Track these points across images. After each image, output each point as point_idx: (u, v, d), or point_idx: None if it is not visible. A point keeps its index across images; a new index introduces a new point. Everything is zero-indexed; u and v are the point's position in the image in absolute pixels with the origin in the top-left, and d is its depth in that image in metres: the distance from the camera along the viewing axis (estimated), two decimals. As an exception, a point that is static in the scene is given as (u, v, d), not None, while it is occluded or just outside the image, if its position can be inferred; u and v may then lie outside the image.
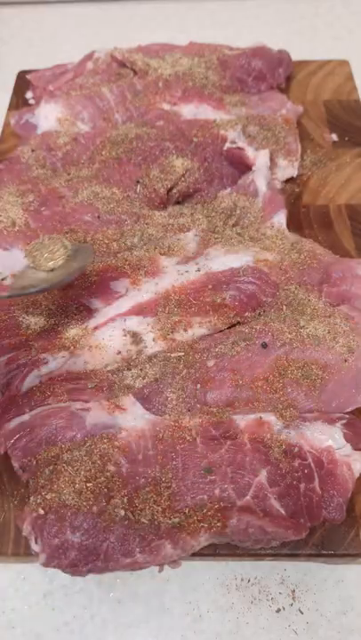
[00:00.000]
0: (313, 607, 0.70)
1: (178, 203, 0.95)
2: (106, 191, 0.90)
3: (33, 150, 0.96)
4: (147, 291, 0.77)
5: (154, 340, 0.74)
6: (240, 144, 0.93)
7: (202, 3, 1.49)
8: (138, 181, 0.92)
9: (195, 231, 0.85)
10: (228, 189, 0.92)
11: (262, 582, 0.72)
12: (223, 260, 0.80)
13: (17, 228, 0.85)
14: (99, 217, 0.87)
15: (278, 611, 0.70)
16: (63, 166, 0.96)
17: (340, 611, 0.70)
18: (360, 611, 0.70)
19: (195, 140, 0.95)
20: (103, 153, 0.95)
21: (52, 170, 0.96)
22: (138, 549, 0.61)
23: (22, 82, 1.16)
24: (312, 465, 0.66)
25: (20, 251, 0.84)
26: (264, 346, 0.71)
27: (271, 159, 0.94)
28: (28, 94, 1.14)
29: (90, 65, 1.09)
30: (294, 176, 0.98)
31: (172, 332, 0.74)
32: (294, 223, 0.92)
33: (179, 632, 0.69)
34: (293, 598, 0.71)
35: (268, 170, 0.91)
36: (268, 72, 1.06)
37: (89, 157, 0.96)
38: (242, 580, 0.72)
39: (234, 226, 0.88)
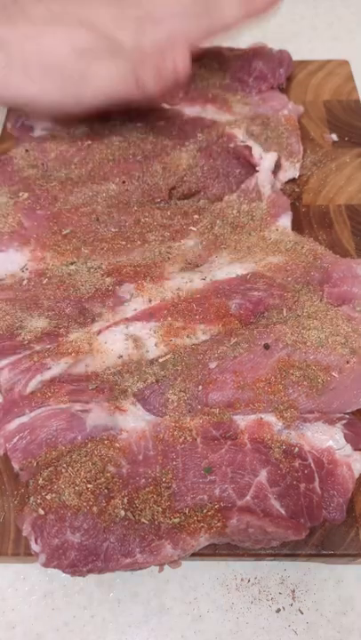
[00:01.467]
0: (313, 607, 0.70)
1: (180, 199, 0.94)
2: (103, 191, 0.90)
3: (27, 150, 0.95)
4: (151, 297, 0.77)
5: (156, 345, 0.73)
6: (248, 142, 0.92)
7: (202, 2, 1.49)
8: (138, 177, 0.91)
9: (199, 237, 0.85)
10: (235, 195, 0.91)
11: (262, 582, 0.72)
12: (228, 267, 0.80)
13: (10, 229, 0.85)
14: (98, 219, 0.87)
15: (278, 611, 0.70)
16: (58, 166, 0.95)
17: (340, 611, 0.70)
18: (360, 611, 0.70)
19: (199, 137, 0.95)
20: (100, 152, 0.95)
21: (46, 170, 0.95)
22: (138, 549, 0.61)
23: (22, 81, 1.15)
24: (312, 465, 0.66)
25: (16, 251, 0.83)
26: (267, 347, 0.71)
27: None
28: (28, 94, 1.13)
29: (90, 64, 1.09)
30: (295, 177, 0.97)
31: (174, 339, 0.74)
32: (294, 223, 0.92)
33: (179, 632, 0.69)
34: (293, 598, 0.71)
35: (271, 173, 0.91)
36: (269, 72, 1.06)
37: (84, 157, 0.95)
38: (242, 580, 0.72)
39: (239, 231, 0.87)
